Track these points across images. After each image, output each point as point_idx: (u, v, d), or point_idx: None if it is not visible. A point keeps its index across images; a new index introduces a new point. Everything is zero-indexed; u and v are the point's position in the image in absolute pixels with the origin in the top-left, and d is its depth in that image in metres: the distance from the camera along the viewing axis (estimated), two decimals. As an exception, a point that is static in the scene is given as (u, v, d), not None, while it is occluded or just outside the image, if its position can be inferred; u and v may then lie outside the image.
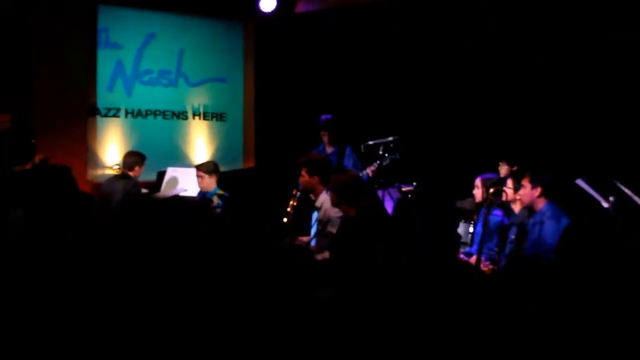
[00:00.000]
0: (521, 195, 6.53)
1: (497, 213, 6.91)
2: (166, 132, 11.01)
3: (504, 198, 6.85)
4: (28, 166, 7.93)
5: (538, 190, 6.35)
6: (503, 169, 8.38)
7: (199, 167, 8.29)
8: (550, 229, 6.19)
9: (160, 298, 1.77)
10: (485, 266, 6.44)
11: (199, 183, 8.18)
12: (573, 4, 8.98)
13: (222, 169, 8.52)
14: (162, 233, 1.85)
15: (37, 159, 8.09)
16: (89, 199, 4.82)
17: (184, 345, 1.73)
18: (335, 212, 6.32)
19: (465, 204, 7.95)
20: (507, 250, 6.52)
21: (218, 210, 7.27)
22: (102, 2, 10.27)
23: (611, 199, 6.46)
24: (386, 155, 8.10)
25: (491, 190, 6.91)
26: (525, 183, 6.44)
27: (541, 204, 6.37)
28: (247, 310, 1.82)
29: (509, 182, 6.85)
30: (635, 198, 6.46)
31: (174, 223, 1.84)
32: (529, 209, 6.51)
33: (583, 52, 8.99)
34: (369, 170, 8.22)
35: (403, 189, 7.79)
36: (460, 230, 7.60)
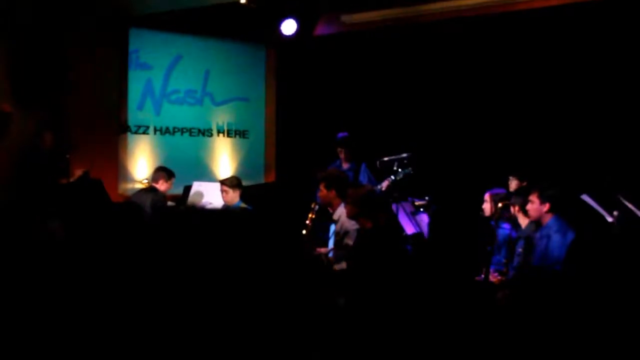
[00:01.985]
0: (529, 210, 6.51)
1: (505, 226, 6.91)
2: (192, 149, 11.06)
3: (512, 212, 6.84)
4: (68, 180, 8.01)
5: (547, 206, 6.34)
6: (513, 184, 8.35)
7: (223, 182, 8.35)
8: (556, 242, 6.18)
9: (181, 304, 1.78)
10: (494, 277, 6.43)
11: (223, 197, 8.22)
12: (582, 29, 8.98)
13: (244, 183, 8.56)
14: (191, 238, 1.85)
15: (78, 172, 8.17)
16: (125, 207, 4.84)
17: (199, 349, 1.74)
18: (352, 225, 6.33)
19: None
20: (515, 262, 6.51)
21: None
22: (133, 25, 10.35)
23: (615, 213, 6.43)
24: (400, 170, 8.10)
25: (499, 204, 6.91)
26: (534, 199, 6.42)
27: (548, 218, 6.36)
28: (266, 316, 1.82)
29: (514, 200, 6.86)
30: (638, 213, 6.43)
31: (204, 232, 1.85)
32: (536, 222, 6.50)
33: (591, 70, 9.00)
34: (382, 185, 8.24)
35: (416, 203, 7.79)
36: None
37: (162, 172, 8.82)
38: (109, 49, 9.91)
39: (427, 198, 8.01)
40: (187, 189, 9.35)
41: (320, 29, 11.15)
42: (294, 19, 10.22)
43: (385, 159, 8.29)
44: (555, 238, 6.19)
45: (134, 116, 10.55)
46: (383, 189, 8.22)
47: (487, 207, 7.50)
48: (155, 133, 10.76)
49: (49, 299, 2.47)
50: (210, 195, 8.85)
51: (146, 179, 9.95)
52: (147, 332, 1.88)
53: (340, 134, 9.22)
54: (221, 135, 11.37)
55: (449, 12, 9.93)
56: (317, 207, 6.95)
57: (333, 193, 6.78)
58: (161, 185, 8.69)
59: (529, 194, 6.56)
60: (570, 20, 9.03)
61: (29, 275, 2.62)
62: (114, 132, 10.14)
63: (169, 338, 1.79)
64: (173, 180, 8.85)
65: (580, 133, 8.99)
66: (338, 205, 6.71)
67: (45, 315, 2.41)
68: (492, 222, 6.85)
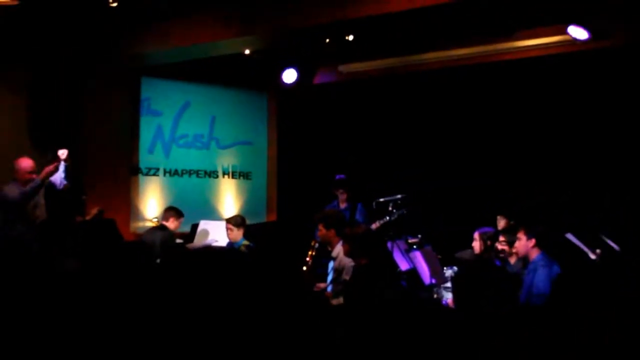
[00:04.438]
0: (517, 246, 6.50)
1: (495, 263, 6.90)
2: (199, 189, 11.08)
3: (502, 255, 6.84)
4: (83, 218, 8.04)
5: (532, 242, 6.32)
6: (501, 223, 8.35)
7: (228, 221, 8.38)
8: (542, 276, 6.15)
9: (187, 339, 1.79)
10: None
11: (228, 235, 8.24)
12: (561, 77, 9.09)
13: (248, 222, 8.57)
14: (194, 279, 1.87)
15: (93, 211, 8.21)
16: (135, 246, 4.85)
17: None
18: (349, 262, 6.33)
19: (465, 254, 7.93)
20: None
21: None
22: (145, 74, 10.45)
23: (598, 251, 6.42)
24: (394, 210, 8.11)
25: (488, 242, 6.92)
26: (521, 235, 6.40)
27: (535, 254, 6.34)
28: (269, 347, 1.83)
29: (502, 239, 6.85)
30: (620, 250, 6.44)
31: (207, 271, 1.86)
32: (524, 259, 6.48)
33: (570, 114, 9.10)
34: (373, 226, 8.24)
35: (409, 241, 7.79)
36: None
37: (172, 211, 8.88)
38: (122, 96, 10.01)
39: (419, 236, 8.02)
40: (194, 227, 9.37)
41: (319, 78, 11.25)
42: (294, 68, 10.32)
43: (381, 200, 8.31)
44: (542, 271, 6.16)
45: (145, 159, 10.60)
46: (373, 229, 8.23)
47: (476, 245, 7.50)
48: (164, 175, 10.80)
49: (64, 329, 2.47)
50: (216, 233, 8.86)
51: (156, 217, 9.96)
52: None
53: (338, 176, 9.25)
54: (226, 176, 11.41)
55: (439, 62, 10.04)
56: (316, 245, 6.95)
57: (332, 232, 6.79)
58: (171, 224, 8.72)
59: (516, 232, 6.56)
60: (550, 69, 9.16)
61: (46, 306, 2.63)
62: (127, 173, 10.17)
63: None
64: (182, 219, 8.88)
65: (565, 175, 9.05)
66: (336, 243, 6.72)
67: (59, 345, 2.41)
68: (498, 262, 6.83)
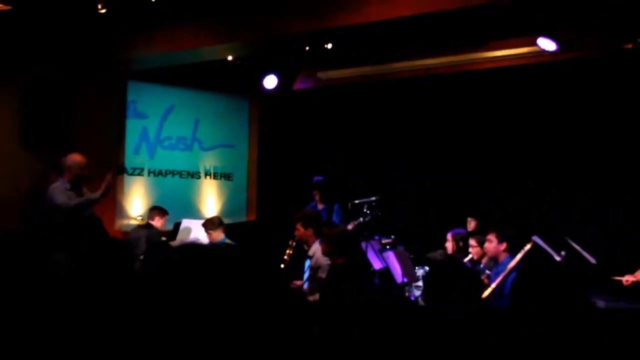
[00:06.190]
0: (487, 248, 6.57)
1: (465, 263, 6.97)
2: (182, 189, 11.10)
3: (475, 257, 6.91)
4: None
5: (504, 245, 6.41)
6: (471, 224, 8.44)
7: (204, 226, 8.38)
8: (510, 278, 6.24)
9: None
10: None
11: (208, 237, 8.26)
12: (533, 85, 9.21)
13: (228, 221, 8.60)
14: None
15: None
16: (120, 244, 4.87)
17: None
18: (325, 260, 6.39)
19: (437, 255, 8.01)
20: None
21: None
22: (131, 78, 10.46)
23: (563, 253, 6.51)
24: (369, 212, 8.17)
25: (460, 243, 7.00)
26: (492, 238, 6.48)
27: (504, 256, 6.43)
28: (248, 343, 1.87)
29: (472, 242, 6.91)
30: (584, 253, 6.53)
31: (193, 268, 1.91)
32: (494, 260, 6.56)
33: (540, 120, 9.22)
34: (349, 227, 8.30)
35: (383, 241, 7.85)
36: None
37: (157, 210, 8.95)
38: (109, 99, 10.01)
39: (393, 237, 8.09)
40: (177, 225, 9.41)
41: (299, 84, 11.29)
42: (275, 74, 10.35)
43: (356, 201, 8.37)
44: (512, 274, 6.26)
45: (130, 159, 10.60)
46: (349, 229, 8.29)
47: (449, 245, 7.58)
48: (149, 175, 10.81)
49: (55, 322, 2.51)
50: (198, 231, 8.90)
51: (140, 216, 9.98)
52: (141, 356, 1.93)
53: (316, 178, 9.31)
54: (208, 177, 11.43)
55: (416, 70, 10.12)
56: (294, 243, 7.01)
57: (310, 231, 6.84)
58: (156, 222, 8.78)
59: (486, 233, 6.64)
60: (520, 78, 9.28)
61: (38, 302, 2.66)
62: (113, 173, 10.16)
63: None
64: (167, 217, 8.95)
65: (531, 178, 9.17)
66: (313, 242, 6.77)
67: (50, 338, 2.45)
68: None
